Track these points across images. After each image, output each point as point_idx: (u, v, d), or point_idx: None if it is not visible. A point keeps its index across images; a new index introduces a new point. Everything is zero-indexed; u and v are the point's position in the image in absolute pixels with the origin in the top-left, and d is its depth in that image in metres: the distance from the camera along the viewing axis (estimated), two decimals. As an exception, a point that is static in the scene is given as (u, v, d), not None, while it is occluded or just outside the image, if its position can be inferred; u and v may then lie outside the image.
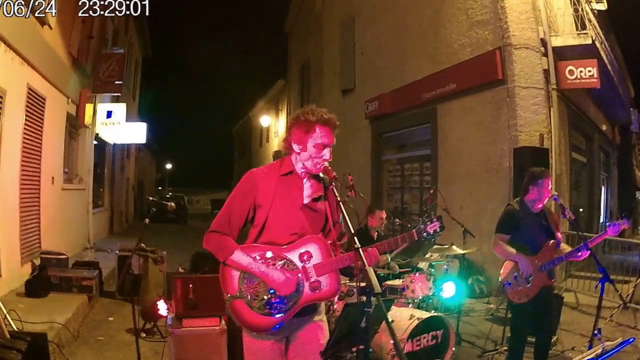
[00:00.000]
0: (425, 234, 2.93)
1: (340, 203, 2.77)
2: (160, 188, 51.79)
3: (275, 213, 2.88)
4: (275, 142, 29.22)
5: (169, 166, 58.36)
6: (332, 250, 2.90)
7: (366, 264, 2.47)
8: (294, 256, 2.86)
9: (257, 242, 2.90)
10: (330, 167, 2.90)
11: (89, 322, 6.90)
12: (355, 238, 2.61)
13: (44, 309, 6.30)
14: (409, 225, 2.97)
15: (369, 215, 6.59)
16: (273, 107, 30.37)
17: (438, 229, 2.92)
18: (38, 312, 6.07)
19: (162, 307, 5.84)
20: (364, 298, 2.48)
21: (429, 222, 2.92)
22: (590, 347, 3.94)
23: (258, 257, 2.82)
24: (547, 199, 4.89)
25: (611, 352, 3.04)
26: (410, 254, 7.62)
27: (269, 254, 2.84)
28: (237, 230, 2.93)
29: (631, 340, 3.33)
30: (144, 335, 6.23)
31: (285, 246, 2.87)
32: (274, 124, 29.79)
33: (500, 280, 4.97)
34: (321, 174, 2.97)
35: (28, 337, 3.69)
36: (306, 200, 2.96)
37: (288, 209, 2.90)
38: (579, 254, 4.69)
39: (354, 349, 2.47)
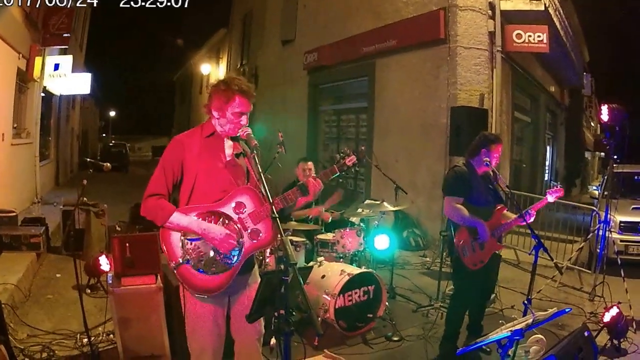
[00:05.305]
0: (345, 167, 3.24)
1: (261, 174, 2.86)
2: (104, 135, 51.21)
3: (203, 173, 3.00)
4: (215, 91, 28.90)
5: (112, 114, 56.89)
6: (263, 199, 3.01)
7: (282, 235, 2.59)
8: (228, 210, 2.99)
9: (189, 205, 3.02)
10: (252, 135, 3.03)
11: (39, 280, 6.98)
12: (274, 208, 2.77)
13: (-2, 269, 6.35)
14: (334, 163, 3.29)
15: (297, 169, 6.71)
16: (214, 55, 29.93)
17: (356, 161, 3.23)
18: (-8, 272, 6.13)
19: (104, 263, 5.92)
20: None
21: (346, 157, 3.23)
22: (525, 310, 3.85)
23: (196, 217, 2.93)
24: (495, 163, 4.69)
25: (542, 322, 3.11)
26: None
27: (206, 212, 2.96)
28: (171, 194, 3.03)
29: (567, 310, 3.37)
30: (89, 291, 6.36)
31: (217, 202, 2.99)
32: (214, 72, 29.30)
33: (457, 246, 4.62)
34: (243, 141, 3.12)
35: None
36: (228, 158, 3.11)
37: (214, 168, 3.04)
38: (525, 218, 4.47)
39: (276, 313, 2.63)
